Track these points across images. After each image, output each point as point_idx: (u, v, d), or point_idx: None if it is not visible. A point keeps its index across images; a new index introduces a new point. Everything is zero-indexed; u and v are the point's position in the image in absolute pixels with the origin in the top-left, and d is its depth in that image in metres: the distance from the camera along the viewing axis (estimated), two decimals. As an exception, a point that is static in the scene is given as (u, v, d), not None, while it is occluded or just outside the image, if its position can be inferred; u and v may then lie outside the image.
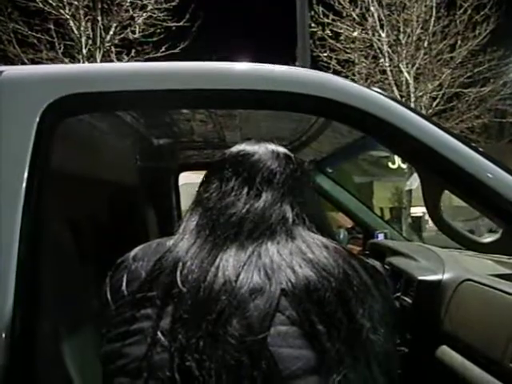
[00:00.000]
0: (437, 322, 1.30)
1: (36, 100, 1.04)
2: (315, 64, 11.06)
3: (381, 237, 2.53)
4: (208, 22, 11.81)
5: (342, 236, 2.75)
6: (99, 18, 10.75)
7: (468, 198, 1.06)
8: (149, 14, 11.25)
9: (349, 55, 12.91)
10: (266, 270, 0.71)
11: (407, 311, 1.43)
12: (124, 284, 0.76)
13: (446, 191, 1.07)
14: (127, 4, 11.00)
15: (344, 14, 12.66)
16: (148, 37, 11.31)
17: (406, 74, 12.49)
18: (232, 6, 20.52)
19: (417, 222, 14.31)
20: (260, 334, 0.66)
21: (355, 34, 12.80)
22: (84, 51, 10.72)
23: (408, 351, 1.32)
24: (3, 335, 0.93)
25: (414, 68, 12.49)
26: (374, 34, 12.67)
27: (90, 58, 10.69)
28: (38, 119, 1.02)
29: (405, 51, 12.42)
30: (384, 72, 12.86)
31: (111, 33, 10.93)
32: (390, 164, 14.44)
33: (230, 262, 0.73)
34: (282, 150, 0.91)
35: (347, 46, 12.88)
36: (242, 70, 1.15)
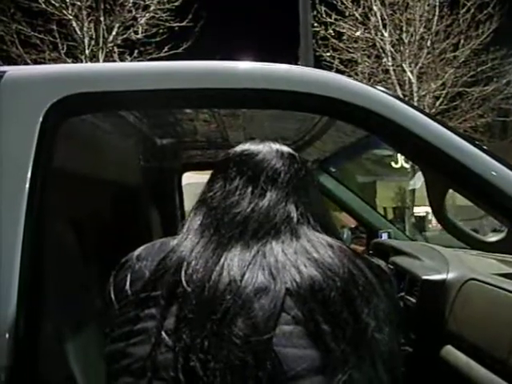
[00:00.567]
0: (441, 321, 1.29)
1: (39, 100, 1.04)
2: (318, 64, 11.09)
3: (384, 236, 2.53)
4: (211, 22, 11.87)
5: (345, 236, 2.75)
6: (102, 19, 10.78)
7: (473, 196, 1.06)
8: (151, 14, 11.29)
9: (351, 55, 12.93)
10: (271, 270, 0.71)
11: (411, 311, 1.43)
12: (128, 283, 0.76)
13: (450, 190, 1.07)
14: (130, 4, 11.04)
15: (347, 14, 12.70)
16: (151, 37, 11.36)
17: (408, 74, 12.48)
18: (235, 5, 20.57)
19: (420, 222, 14.29)
20: (265, 333, 0.66)
21: (358, 33, 12.82)
22: (87, 52, 10.75)
23: (412, 351, 1.32)
24: (7, 336, 0.92)
25: (417, 67, 12.48)
26: (376, 34, 12.67)
27: (93, 58, 10.72)
28: (41, 119, 1.02)
29: (408, 50, 12.42)
30: (387, 71, 12.86)
31: (114, 33, 10.97)
32: (393, 163, 14.41)
33: (234, 261, 0.72)
34: (286, 149, 0.90)
35: (350, 45, 12.90)
36: (245, 69, 1.15)
